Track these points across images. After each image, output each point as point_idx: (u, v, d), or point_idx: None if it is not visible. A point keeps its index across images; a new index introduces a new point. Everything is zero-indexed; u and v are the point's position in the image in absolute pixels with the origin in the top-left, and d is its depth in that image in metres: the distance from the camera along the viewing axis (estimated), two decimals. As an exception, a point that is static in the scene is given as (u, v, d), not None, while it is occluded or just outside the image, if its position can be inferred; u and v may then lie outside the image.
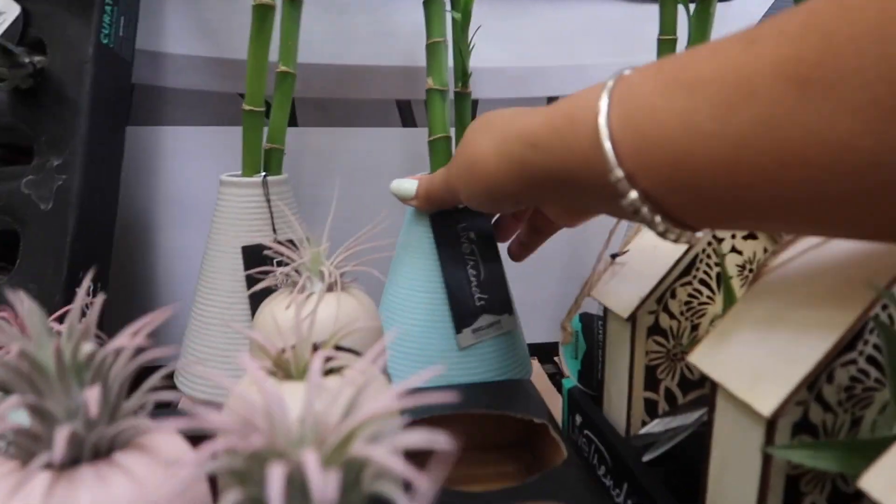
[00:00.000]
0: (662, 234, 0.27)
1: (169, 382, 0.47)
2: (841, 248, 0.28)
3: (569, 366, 0.45)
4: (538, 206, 0.43)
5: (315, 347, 0.26)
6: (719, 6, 0.69)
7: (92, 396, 0.17)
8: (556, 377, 0.61)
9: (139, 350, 0.20)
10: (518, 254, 0.47)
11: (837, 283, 0.26)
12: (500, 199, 0.35)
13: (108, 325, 0.29)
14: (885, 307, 0.24)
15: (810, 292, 0.27)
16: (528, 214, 0.45)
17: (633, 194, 0.26)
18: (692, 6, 0.51)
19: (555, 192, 0.31)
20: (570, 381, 0.45)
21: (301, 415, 0.16)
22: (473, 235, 0.47)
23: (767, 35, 0.22)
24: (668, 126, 0.24)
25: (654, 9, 0.52)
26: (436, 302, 0.47)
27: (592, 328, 0.46)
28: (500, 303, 0.47)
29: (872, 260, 0.26)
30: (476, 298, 0.46)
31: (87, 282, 0.22)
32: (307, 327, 0.26)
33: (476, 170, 0.34)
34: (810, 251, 0.29)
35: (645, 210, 0.26)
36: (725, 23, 0.69)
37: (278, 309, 0.32)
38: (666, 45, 0.52)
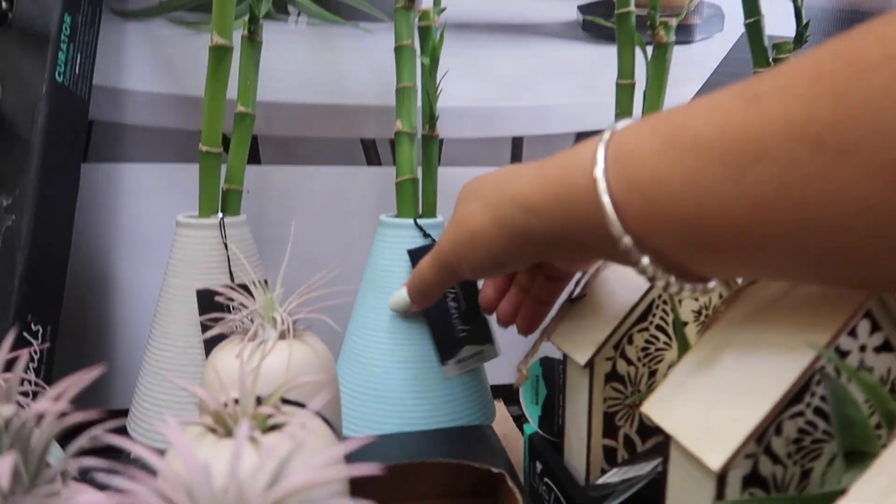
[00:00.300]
0: (676, 294, 0.27)
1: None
2: (794, 294, 0.28)
3: (529, 411, 0.44)
4: (543, 262, 0.39)
5: (259, 400, 0.25)
6: (680, 49, 0.71)
7: (4, 466, 0.16)
8: (522, 419, 0.60)
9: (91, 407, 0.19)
10: (534, 315, 0.42)
11: (787, 332, 0.26)
12: (505, 263, 0.34)
13: (61, 368, 0.28)
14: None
15: (760, 341, 0.27)
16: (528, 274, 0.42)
17: (645, 260, 0.26)
18: (650, 50, 0.52)
19: (558, 251, 0.31)
20: (531, 426, 0.44)
21: (224, 484, 0.16)
22: None
23: (771, 92, 0.22)
24: (675, 189, 0.24)
25: (615, 50, 0.53)
26: (398, 343, 0.46)
27: (554, 372, 0.46)
28: (482, 333, 0.48)
29: (823, 309, 0.26)
30: (458, 330, 0.47)
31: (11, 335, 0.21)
32: (251, 379, 0.25)
33: (476, 242, 0.34)
34: (764, 298, 0.29)
35: (658, 272, 0.26)
36: (686, 66, 0.71)
37: (221, 359, 0.32)
38: (624, 89, 0.53)
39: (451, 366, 0.46)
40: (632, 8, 0.50)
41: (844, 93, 0.20)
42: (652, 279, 0.27)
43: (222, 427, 0.24)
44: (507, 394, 0.65)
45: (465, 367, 0.47)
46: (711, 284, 0.28)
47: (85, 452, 0.19)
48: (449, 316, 0.47)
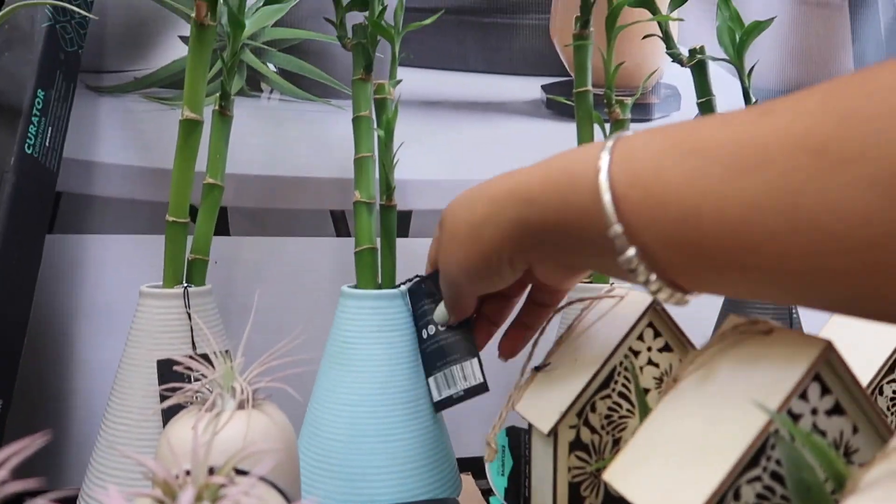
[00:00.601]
0: (654, 293, 0.28)
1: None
2: (747, 357, 0.28)
3: (495, 483, 0.43)
4: (533, 268, 0.36)
5: (212, 471, 0.25)
6: (639, 127, 0.74)
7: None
8: (489, 493, 0.59)
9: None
10: (517, 338, 0.43)
11: (741, 396, 0.27)
12: (494, 265, 0.34)
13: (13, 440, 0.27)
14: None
15: (716, 404, 0.27)
16: (514, 301, 0.43)
17: (631, 251, 0.27)
18: (608, 126, 0.54)
19: (550, 247, 0.31)
20: (497, 500, 0.43)
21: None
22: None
23: (782, 109, 0.23)
24: (675, 185, 0.25)
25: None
26: (360, 416, 0.45)
27: (520, 442, 0.45)
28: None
29: (775, 372, 0.27)
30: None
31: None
32: (205, 450, 0.24)
33: (472, 237, 0.34)
34: (721, 360, 0.30)
35: (641, 268, 0.27)
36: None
37: (176, 430, 0.31)
38: (585, 163, 0.54)
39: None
40: (589, 87, 0.53)
41: (852, 110, 0.21)
42: (633, 272, 0.27)
43: (171, 499, 0.23)
44: (474, 467, 0.64)
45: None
46: (688, 297, 0.28)
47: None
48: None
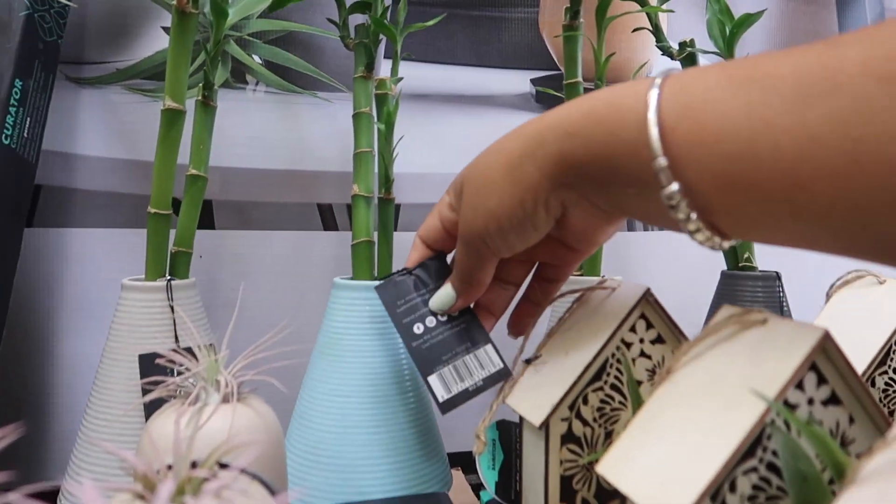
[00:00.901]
0: (693, 234, 0.27)
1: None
2: (743, 348, 0.28)
3: (486, 476, 0.43)
4: (568, 211, 0.34)
5: (195, 466, 0.24)
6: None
7: None
8: (480, 488, 0.58)
9: None
10: (528, 314, 0.41)
11: (737, 386, 0.26)
12: (529, 210, 0.32)
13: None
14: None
15: (711, 395, 0.27)
16: (514, 292, 0.41)
17: (674, 186, 0.26)
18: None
19: (590, 184, 0.30)
20: (488, 493, 0.43)
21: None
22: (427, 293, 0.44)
23: (852, 39, 0.22)
24: (731, 118, 0.24)
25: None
26: (350, 407, 0.45)
27: (510, 436, 0.45)
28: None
29: (771, 362, 0.26)
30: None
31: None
32: (186, 443, 0.23)
33: (507, 178, 0.33)
34: (715, 351, 0.29)
35: (682, 205, 0.26)
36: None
37: (157, 425, 0.30)
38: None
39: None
40: (579, 79, 0.52)
41: None
42: (673, 208, 0.26)
43: (151, 493, 0.22)
44: (465, 462, 0.63)
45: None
46: (725, 243, 0.28)
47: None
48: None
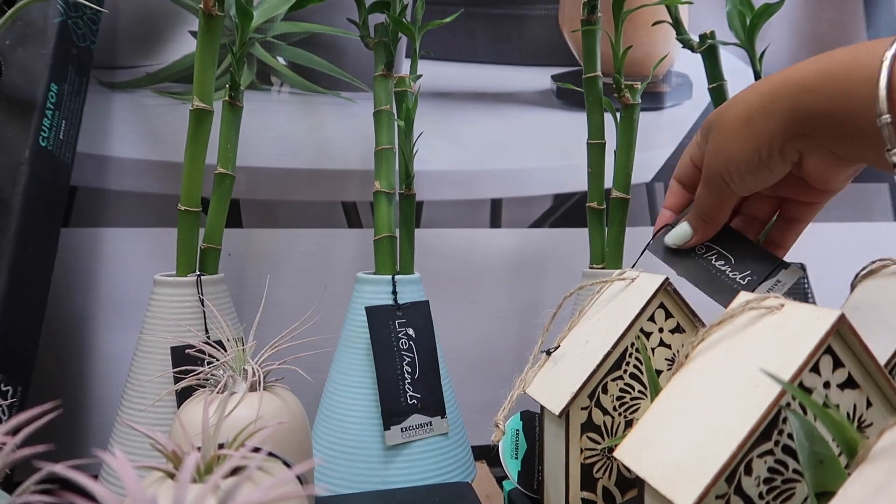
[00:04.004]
0: None
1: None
2: (760, 330, 0.28)
3: (509, 466, 0.43)
4: (804, 158, 0.37)
5: (221, 447, 0.25)
6: (651, 115, 0.73)
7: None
8: (504, 479, 0.59)
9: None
10: (789, 231, 0.44)
11: (752, 371, 0.26)
12: (765, 156, 0.36)
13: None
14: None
15: (727, 380, 0.27)
16: (771, 212, 0.43)
17: None
18: (618, 114, 0.54)
19: (823, 136, 0.33)
20: (511, 483, 0.43)
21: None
22: (413, 332, 0.47)
23: None
24: None
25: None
26: (374, 399, 0.46)
27: (533, 426, 0.45)
28: (434, 404, 0.46)
29: (786, 346, 0.26)
30: (408, 397, 0.45)
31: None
32: (213, 427, 0.25)
33: (746, 128, 0.36)
34: (731, 336, 0.29)
35: None
36: (658, 131, 0.74)
37: (188, 411, 0.31)
38: (594, 148, 0.54)
39: (395, 432, 0.45)
40: (598, 72, 0.53)
41: None
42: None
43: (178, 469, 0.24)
44: (489, 456, 0.64)
45: (410, 436, 0.45)
46: None
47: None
48: (402, 380, 0.46)
